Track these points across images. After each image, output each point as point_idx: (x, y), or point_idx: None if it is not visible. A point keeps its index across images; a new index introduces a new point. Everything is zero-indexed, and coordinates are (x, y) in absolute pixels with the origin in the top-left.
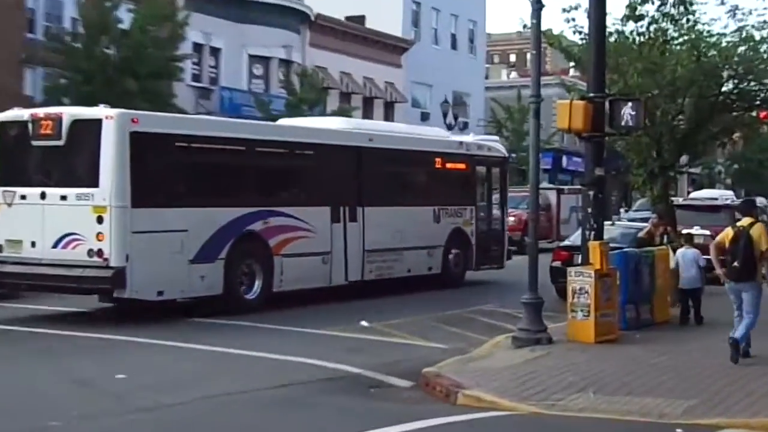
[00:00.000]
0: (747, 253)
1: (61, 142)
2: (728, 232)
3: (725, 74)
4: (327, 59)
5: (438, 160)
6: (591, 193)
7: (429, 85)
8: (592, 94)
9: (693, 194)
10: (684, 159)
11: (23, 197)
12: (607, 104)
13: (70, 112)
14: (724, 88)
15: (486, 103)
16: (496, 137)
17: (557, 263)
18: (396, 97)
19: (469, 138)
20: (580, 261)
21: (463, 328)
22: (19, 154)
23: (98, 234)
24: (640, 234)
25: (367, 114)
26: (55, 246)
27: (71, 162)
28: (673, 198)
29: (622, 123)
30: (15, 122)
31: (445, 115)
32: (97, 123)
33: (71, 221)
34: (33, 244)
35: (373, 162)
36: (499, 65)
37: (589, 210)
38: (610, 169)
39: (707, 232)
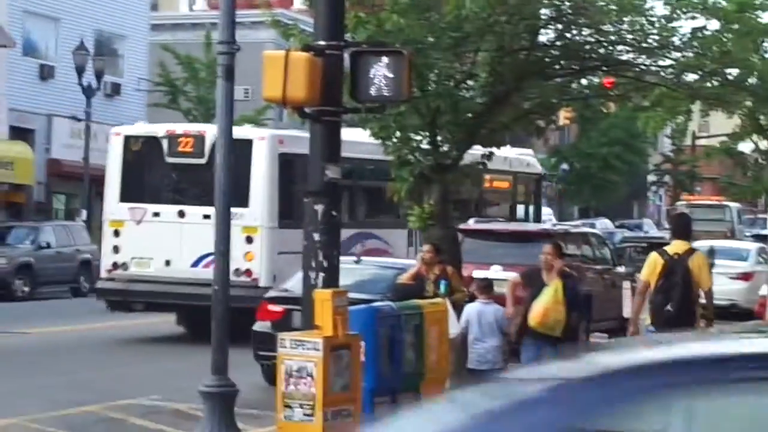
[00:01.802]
0: (685, 292)
1: (203, 161)
2: (655, 262)
3: (543, 16)
4: None
5: (487, 178)
6: (318, 208)
7: (54, 19)
8: (322, 42)
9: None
10: (476, 153)
11: (156, 214)
12: (347, 59)
13: (213, 131)
14: (541, 38)
15: (152, 53)
16: (530, 150)
17: (264, 325)
18: None
19: (511, 152)
20: (300, 322)
21: None
22: (149, 171)
23: (247, 253)
24: (402, 278)
25: None
26: (195, 265)
27: (214, 181)
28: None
29: (373, 91)
30: (145, 137)
31: (80, 72)
32: (247, 143)
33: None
34: (167, 263)
35: None
36: None
37: (316, 237)
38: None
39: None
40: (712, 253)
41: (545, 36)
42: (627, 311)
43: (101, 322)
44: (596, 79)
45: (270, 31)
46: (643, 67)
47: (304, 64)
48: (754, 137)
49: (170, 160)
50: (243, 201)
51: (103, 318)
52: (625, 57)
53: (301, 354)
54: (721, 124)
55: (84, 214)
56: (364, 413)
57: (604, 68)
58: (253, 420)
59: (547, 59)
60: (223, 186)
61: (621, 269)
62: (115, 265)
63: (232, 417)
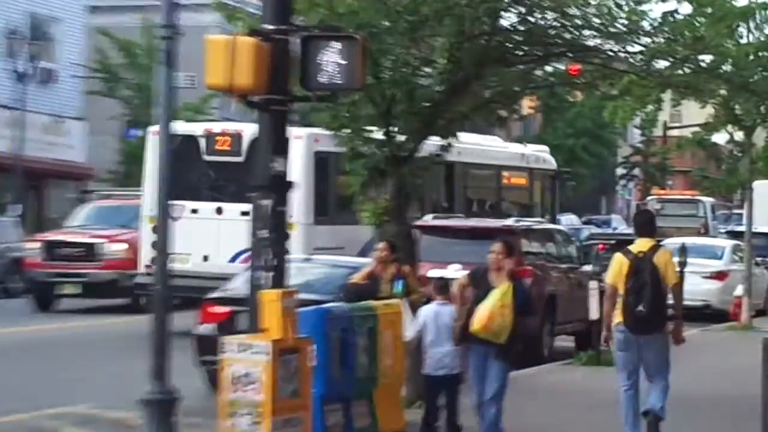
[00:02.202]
0: (656, 291)
1: (240, 159)
2: (620, 263)
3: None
4: None
5: (506, 174)
6: (265, 203)
7: None
8: (269, 26)
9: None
10: (433, 144)
11: (194, 211)
12: (297, 45)
13: (250, 130)
14: (503, 22)
15: (89, 38)
16: (545, 147)
17: (207, 328)
18: None
19: (527, 149)
20: (247, 324)
21: None
22: (187, 168)
23: None
24: (354, 277)
25: None
26: (232, 260)
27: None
28: (414, 216)
29: (324, 79)
30: (182, 136)
31: (11, 57)
32: None
33: None
34: (205, 258)
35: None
36: None
37: (263, 234)
38: None
39: None
40: (684, 250)
41: (507, 20)
42: (594, 313)
43: (33, 325)
44: (562, 66)
45: (215, 15)
46: (610, 53)
47: (251, 50)
48: (729, 128)
49: (208, 158)
50: None
51: (35, 320)
52: (591, 42)
53: (247, 358)
54: (694, 114)
55: (19, 208)
56: (314, 421)
57: (570, 54)
58: (196, 429)
59: (508, 45)
60: (160, 179)
61: (587, 268)
62: (154, 261)
63: (173, 426)
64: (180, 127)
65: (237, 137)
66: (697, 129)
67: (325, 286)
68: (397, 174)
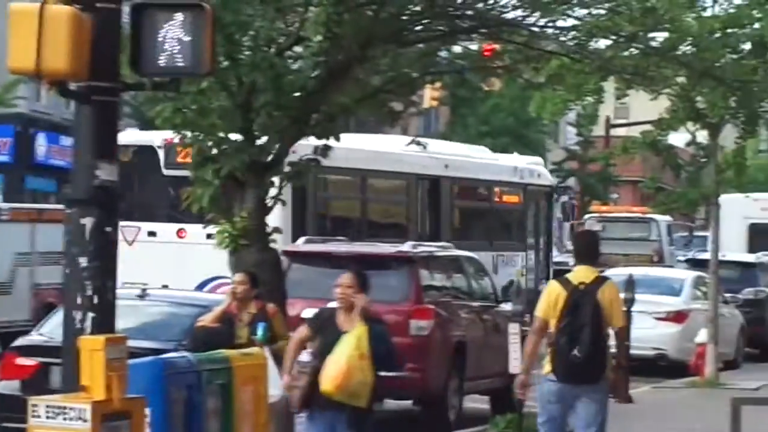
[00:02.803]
0: (596, 333)
1: None
2: (556, 294)
3: None
4: None
5: (497, 191)
6: (85, 222)
7: None
8: None
9: None
10: (307, 145)
11: (152, 234)
12: (128, 15)
13: None
14: None
15: None
16: (539, 159)
17: (10, 386)
18: None
19: (520, 161)
20: (61, 381)
21: None
22: (144, 185)
23: None
24: (204, 319)
25: None
26: (198, 290)
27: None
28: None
29: (163, 61)
30: (138, 147)
31: None
32: None
33: (221, 263)
34: (165, 287)
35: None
36: None
37: (82, 262)
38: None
39: None
40: (631, 284)
41: None
42: (514, 365)
43: None
44: (474, 46)
45: None
46: (535, 29)
47: (67, 23)
48: (690, 126)
49: (168, 172)
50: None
51: None
52: (511, 15)
53: (60, 426)
54: (645, 108)
55: None
56: None
57: (483, 30)
58: None
59: (403, 18)
60: None
61: (507, 307)
62: None
63: None
64: (133, 136)
65: None
66: (648, 127)
67: (166, 331)
68: (259, 185)
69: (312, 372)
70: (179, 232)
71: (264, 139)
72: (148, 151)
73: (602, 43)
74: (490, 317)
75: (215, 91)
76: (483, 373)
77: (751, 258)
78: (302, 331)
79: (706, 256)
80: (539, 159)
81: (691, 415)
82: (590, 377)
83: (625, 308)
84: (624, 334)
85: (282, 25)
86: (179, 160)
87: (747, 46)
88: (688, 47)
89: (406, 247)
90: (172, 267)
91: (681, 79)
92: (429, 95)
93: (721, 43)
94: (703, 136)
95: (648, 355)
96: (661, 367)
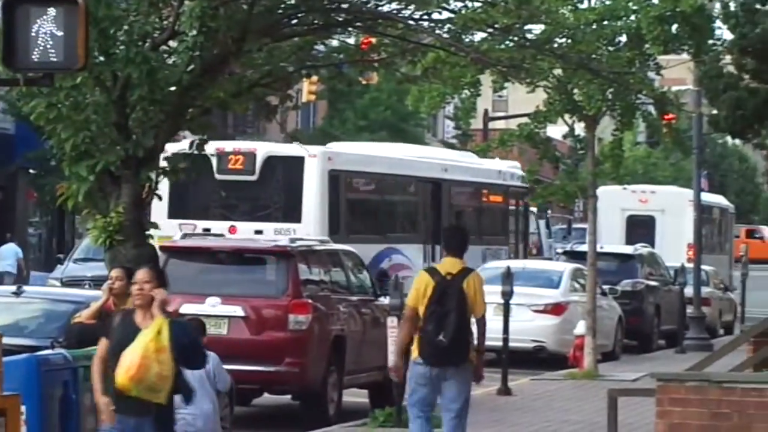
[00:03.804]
0: (461, 320)
1: (253, 178)
2: (425, 283)
3: None
4: None
5: (485, 192)
6: None
7: None
8: None
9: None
10: (184, 140)
11: (206, 230)
12: (0, 11)
13: (264, 149)
14: None
15: None
16: (517, 162)
17: None
18: None
19: (502, 165)
20: None
21: None
22: (199, 188)
23: None
24: (80, 315)
25: None
26: None
27: (266, 197)
28: (188, 233)
29: (36, 56)
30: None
31: None
32: (299, 161)
33: None
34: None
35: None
36: None
37: None
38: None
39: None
40: (509, 277)
41: None
42: (394, 358)
43: None
44: (351, 40)
45: None
46: (411, 22)
47: None
48: (567, 118)
49: (220, 177)
50: (296, 217)
51: None
52: (386, 8)
53: None
54: (523, 101)
55: None
56: None
57: (359, 24)
58: None
59: (278, 11)
60: None
61: (385, 300)
62: None
63: None
64: (183, 145)
65: (250, 156)
66: (526, 120)
67: (41, 328)
68: (135, 180)
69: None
70: (230, 229)
71: (139, 133)
72: (202, 159)
73: (478, 36)
74: (369, 311)
75: (90, 86)
76: (362, 366)
77: (629, 250)
78: (102, 346)
79: (584, 248)
80: (517, 163)
81: (569, 407)
82: (455, 360)
83: (503, 301)
84: (484, 321)
85: (156, 20)
86: (230, 167)
87: (623, 38)
88: (564, 39)
89: (284, 241)
90: None
91: (557, 72)
92: (307, 89)
93: (597, 35)
94: (581, 128)
95: (527, 347)
96: (540, 359)
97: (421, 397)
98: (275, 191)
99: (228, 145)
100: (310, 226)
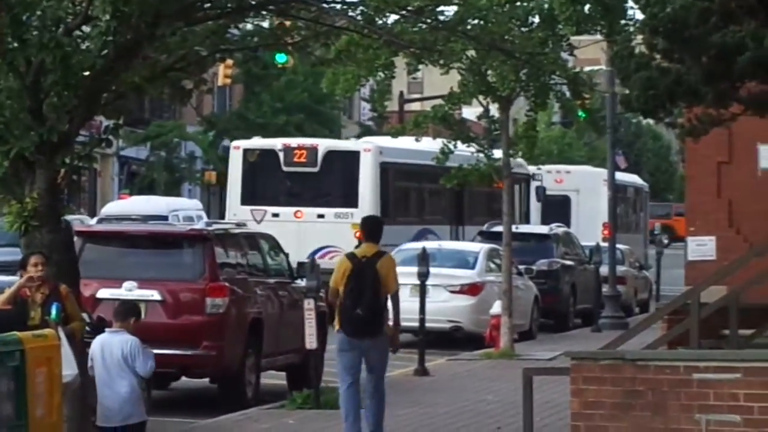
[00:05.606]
0: (375, 295)
1: (315, 169)
2: (345, 265)
3: None
4: None
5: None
6: None
7: None
8: None
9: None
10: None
11: (275, 215)
12: None
13: (324, 144)
14: None
15: None
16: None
17: None
18: None
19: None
20: None
21: None
22: (268, 178)
23: None
24: None
25: None
26: (311, 257)
27: (326, 186)
28: (81, 217)
29: None
30: (262, 150)
31: None
32: (355, 154)
33: (329, 236)
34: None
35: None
36: None
37: None
38: None
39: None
40: (425, 257)
41: None
42: (311, 341)
43: None
44: (265, 24)
45: None
46: (324, 4)
47: None
48: (482, 99)
49: (287, 168)
50: (353, 202)
51: None
52: None
53: None
54: (438, 82)
55: None
56: None
57: (271, 7)
58: None
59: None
60: None
61: (302, 283)
62: None
63: None
64: (259, 142)
65: (313, 150)
66: (440, 102)
67: None
68: (49, 165)
69: None
70: (296, 213)
71: (54, 118)
72: (271, 153)
73: (391, 18)
74: (287, 293)
75: (3, 71)
76: (280, 349)
77: (544, 230)
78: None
79: (499, 228)
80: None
81: (485, 387)
82: (371, 331)
83: (419, 282)
84: (397, 296)
85: (69, 5)
86: (295, 160)
87: (536, 18)
88: (477, 21)
89: (200, 225)
90: (292, 240)
91: (471, 53)
92: (222, 73)
93: (510, 16)
94: (495, 109)
95: (443, 327)
96: (457, 340)
97: (347, 361)
98: (334, 181)
99: (293, 141)
100: (365, 211)
